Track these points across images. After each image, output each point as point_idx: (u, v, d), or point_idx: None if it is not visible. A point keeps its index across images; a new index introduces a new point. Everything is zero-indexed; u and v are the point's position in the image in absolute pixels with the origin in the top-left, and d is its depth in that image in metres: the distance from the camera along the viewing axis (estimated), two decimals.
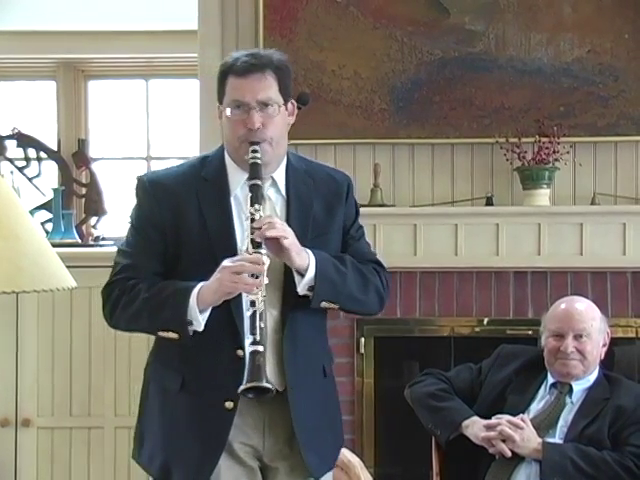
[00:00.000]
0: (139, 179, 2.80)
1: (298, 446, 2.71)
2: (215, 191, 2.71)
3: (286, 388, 2.69)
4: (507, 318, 4.59)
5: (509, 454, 3.40)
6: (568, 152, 4.51)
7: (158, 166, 5.74)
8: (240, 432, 2.70)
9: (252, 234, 2.55)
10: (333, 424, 2.92)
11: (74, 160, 5.65)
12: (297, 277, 2.64)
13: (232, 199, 2.71)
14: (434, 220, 4.55)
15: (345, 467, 3.48)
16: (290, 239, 2.59)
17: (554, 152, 4.47)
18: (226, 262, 2.54)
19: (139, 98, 5.79)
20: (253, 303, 2.51)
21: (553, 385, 3.61)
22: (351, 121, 4.65)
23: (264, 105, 2.65)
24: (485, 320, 4.60)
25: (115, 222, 5.61)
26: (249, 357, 2.49)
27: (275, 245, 2.58)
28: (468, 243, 4.52)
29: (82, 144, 5.67)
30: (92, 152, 5.74)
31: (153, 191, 2.73)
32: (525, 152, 4.49)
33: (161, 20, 5.38)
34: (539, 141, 4.49)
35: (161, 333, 2.65)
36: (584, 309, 3.65)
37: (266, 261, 2.53)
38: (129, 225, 2.81)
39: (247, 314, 2.53)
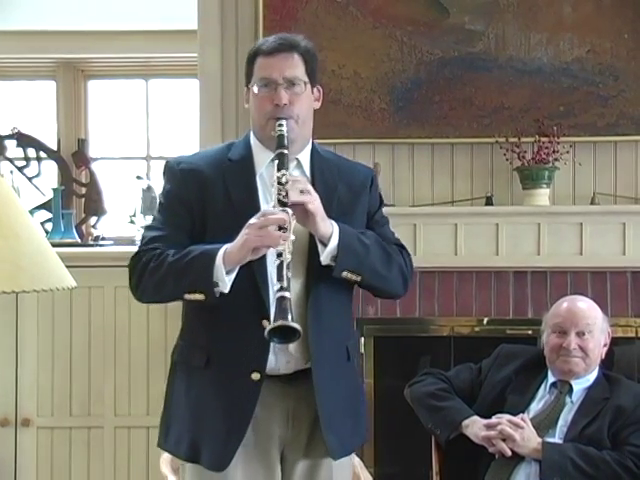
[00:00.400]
0: (167, 162, 2.86)
1: (319, 426, 2.72)
2: (241, 171, 2.76)
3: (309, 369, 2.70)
4: (507, 318, 4.60)
5: (509, 453, 3.40)
6: (568, 152, 4.51)
7: (158, 166, 5.74)
8: (265, 425, 2.72)
9: (279, 194, 2.58)
10: (355, 413, 2.90)
11: (74, 160, 5.65)
12: (320, 246, 2.67)
13: (258, 178, 2.76)
14: (434, 220, 4.55)
15: None
16: (316, 204, 2.62)
17: (554, 152, 4.47)
18: (251, 219, 2.57)
19: (139, 98, 5.79)
20: (280, 254, 2.52)
21: (553, 384, 3.61)
22: (351, 121, 4.65)
23: (291, 83, 2.72)
24: (485, 320, 4.60)
25: (115, 222, 5.61)
26: (276, 302, 2.49)
27: (300, 211, 2.61)
28: (468, 243, 4.52)
29: (82, 144, 5.67)
30: (92, 152, 5.74)
31: (180, 169, 2.79)
32: (525, 152, 4.49)
33: (161, 20, 5.37)
34: (539, 141, 4.50)
35: (187, 295, 2.65)
36: (587, 307, 3.65)
37: (292, 217, 2.56)
38: (158, 205, 2.86)
39: (274, 264, 2.53)
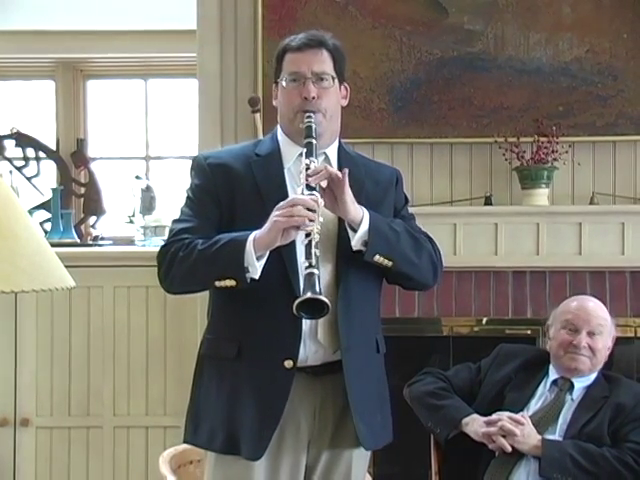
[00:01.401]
0: (195, 157, 2.90)
1: (350, 414, 2.73)
2: (269, 165, 2.79)
3: (340, 362, 2.71)
4: (506, 318, 4.60)
5: (509, 449, 3.40)
6: (567, 152, 4.51)
7: (157, 166, 5.74)
8: (292, 419, 2.72)
9: (307, 181, 2.60)
10: (383, 406, 2.93)
11: (73, 160, 5.65)
12: (350, 232, 2.69)
13: (285, 172, 2.79)
14: (433, 220, 4.53)
15: None
16: (344, 185, 2.64)
17: (553, 152, 4.48)
18: (280, 203, 2.59)
19: (138, 98, 5.79)
20: (308, 234, 2.54)
21: (554, 382, 3.61)
22: (350, 121, 4.58)
23: (319, 78, 2.76)
24: (484, 320, 4.61)
25: (114, 222, 5.61)
26: (304, 278, 2.51)
27: (329, 196, 2.64)
28: (467, 243, 4.52)
29: (81, 144, 5.67)
30: (91, 152, 5.74)
31: (209, 164, 2.81)
32: (524, 152, 4.49)
33: (160, 20, 5.38)
34: (538, 141, 4.50)
35: (218, 283, 2.65)
36: (599, 308, 3.68)
37: (320, 201, 2.58)
38: (185, 199, 2.86)
39: (302, 244, 2.55)
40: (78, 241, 5.21)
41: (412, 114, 4.63)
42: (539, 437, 3.42)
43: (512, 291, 4.59)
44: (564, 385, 3.59)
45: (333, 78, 2.78)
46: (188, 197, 2.85)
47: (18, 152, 5.64)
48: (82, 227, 5.56)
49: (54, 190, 5.24)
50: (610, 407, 3.51)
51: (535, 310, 4.56)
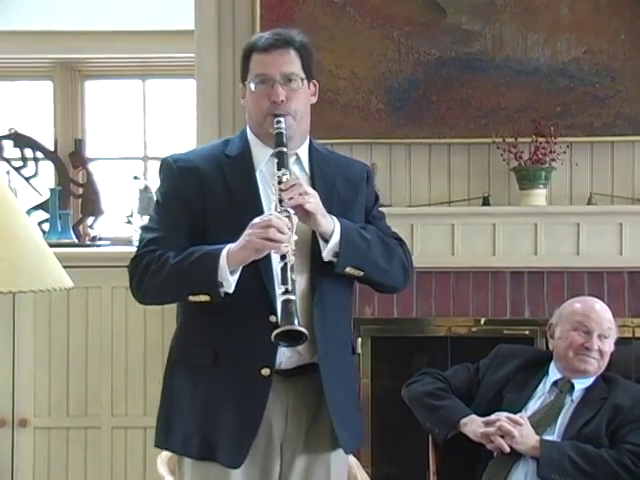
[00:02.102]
0: (164, 159, 2.84)
1: (326, 418, 2.72)
2: (240, 167, 2.76)
3: (314, 364, 2.71)
4: (504, 318, 4.60)
5: (507, 449, 3.40)
6: (565, 152, 4.51)
7: (155, 167, 5.74)
8: (264, 422, 2.71)
9: (279, 195, 2.59)
10: (357, 409, 2.94)
11: (71, 160, 5.64)
12: (322, 243, 2.68)
13: (257, 174, 2.76)
14: (431, 220, 4.55)
15: None
16: (314, 202, 2.62)
17: (551, 152, 4.48)
18: (254, 220, 2.57)
19: (136, 98, 5.79)
20: (284, 256, 2.53)
21: (554, 383, 3.61)
22: (348, 121, 4.65)
23: (287, 79, 2.72)
24: (482, 320, 4.61)
25: (112, 222, 5.61)
26: (281, 305, 2.50)
27: (301, 210, 2.62)
28: (465, 243, 4.52)
29: (79, 144, 5.66)
30: (89, 152, 5.73)
31: (178, 167, 2.77)
32: (522, 152, 4.49)
33: (158, 20, 5.37)
34: (536, 141, 4.50)
35: (192, 297, 2.64)
36: (606, 310, 3.70)
37: (294, 218, 2.57)
38: (154, 204, 2.84)
39: (278, 267, 2.55)
40: (76, 241, 5.21)
41: (410, 114, 4.63)
42: (537, 438, 3.43)
43: (510, 291, 4.59)
44: (564, 386, 3.59)
45: (302, 79, 2.75)
46: (158, 202, 2.81)
47: (16, 152, 5.63)
48: (80, 227, 5.55)
49: (52, 190, 5.24)
50: (608, 408, 3.51)
51: (533, 310, 4.56)
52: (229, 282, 2.59)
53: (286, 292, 2.50)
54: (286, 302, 2.49)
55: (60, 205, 5.26)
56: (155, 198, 2.86)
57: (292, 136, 2.72)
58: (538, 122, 4.54)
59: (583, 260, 4.50)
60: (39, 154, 5.64)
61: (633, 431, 3.45)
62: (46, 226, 5.26)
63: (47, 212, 5.31)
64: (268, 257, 2.63)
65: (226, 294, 2.61)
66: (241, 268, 2.60)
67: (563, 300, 3.93)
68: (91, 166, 5.67)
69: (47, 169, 5.68)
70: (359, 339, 4.59)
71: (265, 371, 2.66)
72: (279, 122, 2.69)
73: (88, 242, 5.32)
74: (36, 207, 5.48)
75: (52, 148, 5.66)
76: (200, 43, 4.73)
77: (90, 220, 5.59)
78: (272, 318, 2.61)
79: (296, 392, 2.75)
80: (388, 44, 4.63)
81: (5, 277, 2.30)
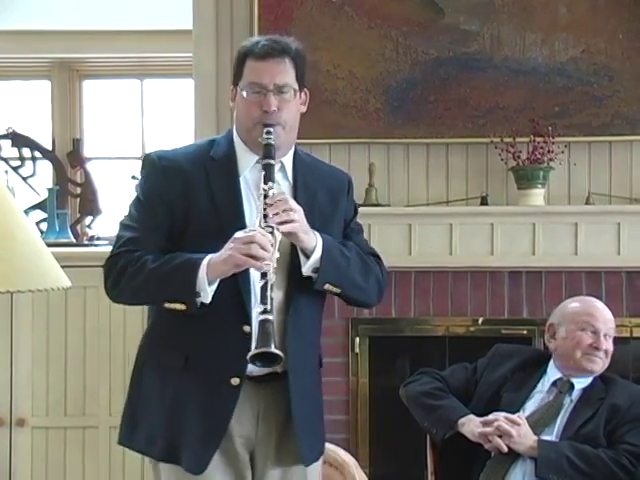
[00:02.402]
0: (147, 155, 2.82)
1: (293, 430, 2.72)
2: (224, 170, 2.74)
3: (285, 372, 2.71)
4: (502, 318, 4.60)
5: (505, 449, 3.41)
6: (563, 152, 4.52)
7: None
8: (236, 423, 2.71)
9: (264, 210, 2.58)
10: (321, 418, 2.93)
11: (69, 160, 5.64)
12: (302, 258, 2.67)
13: (241, 180, 2.75)
14: (429, 220, 4.55)
15: (340, 467, 3.49)
16: (299, 219, 2.62)
17: (549, 152, 4.48)
18: (238, 234, 2.56)
19: (134, 98, 5.79)
20: (264, 274, 2.53)
21: (553, 383, 3.62)
22: (346, 121, 4.65)
23: (280, 89, 2.70)
24: (480, 320, 4.61)
25: (110, 222, 5.60)
26: (259, 325, 2.50)
27: (284, 223, 2.60)
28: (463, 243, 4.52)
29: (77, 144, 5.66)
30: (87, 152, 5.73)
31: (162, 166, 2.74)
32: (520, 152, 4.49)
33: (156, 20, 5.37)
34: (534, 141, 4.50)
35: (168, 304, 2.64)
36: (608, 310, 3.72)
37: (277, 235, 2.56)
38: (134, 200, 2.80)
39: (258, 285, 2.55)
40: (74, 241, 5.20)
41: (408, 114, 4.63)
42: (535, 438, 3.43)
43: (508, 291, 4.60)
44: (564, 387, 3.59)
45: (295, 90, 2.74)
46: (138, 199, 2.77)
47: (14, 152, 5.63)
48: (78, 227, 5.55)
49: (50, 190, 5.23)
50: (606, 409, 3.51)
51: (531, 310, 4.56)
52: (206, 293, 2.58)
53: (264, 312, 2.50)
54: (264, 322, 2.49)
55: (58, 205, 5.26)
56: (135, 194, 2.82)
57: (279, 146, 2.71)
58: (536, 122, 4.54)
59: (581, 260, 4.50)
60: (37, 154, 5.64)
61: (631, 431, 3.45)
62: (44, 226, 5.26)
63: (45, 212, 5.31)
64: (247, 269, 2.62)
65: (202, 304, 2.60)
66: (219, 280, 2.60)
67: (561, 300, 3.93)
68: (89, 166, 5.67)
69: (45, 169, 5.68)
70: (357, 339, 4.60)
71: (234, 380, 2.66)
72: (269, 133, 2.67)
73: (86, 242, 5.32)
74: (34, 207, 5.47)
75: (50, 148, 5.66)
76: (198, 43, 4.73)
77: (88, 220, 5.59)
78: (246, 328, 2.63)
79: (266, 396, 2.74)
80: (386, 44, 4.63)
81: (3, 277, 2.30)
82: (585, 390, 3.60)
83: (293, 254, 2.70)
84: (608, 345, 3.63)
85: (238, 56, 2.77)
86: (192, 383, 2.69)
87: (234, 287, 2.63)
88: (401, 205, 4.63)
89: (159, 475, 2.79)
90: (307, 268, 2.67)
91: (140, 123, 5.76)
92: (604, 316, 3.66)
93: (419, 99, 4.63)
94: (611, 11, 4.57)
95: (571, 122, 4.57)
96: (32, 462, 4.75)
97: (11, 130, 5.61)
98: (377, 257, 2.93)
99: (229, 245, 2.55)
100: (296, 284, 2.71)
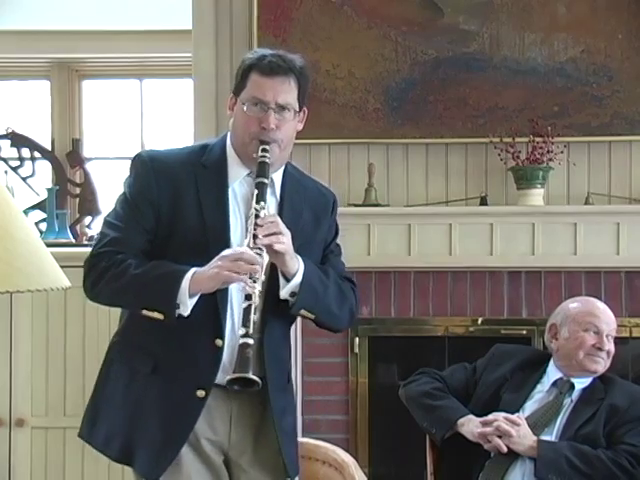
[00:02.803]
0: (139, 154, 2.79)
1: (275, 441, 2.73)
2: (214, 180, 2.73)
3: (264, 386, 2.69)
4: (501, 318, 4.60)
5: (505, 449, 3.41)
6: (562, 152, 4.51)
7: None
8: (207, 427, 2.71)
9: (255, 230, 2.57)
10: (296, 434, 2.94)
11: (68, 160, 5.64)
12: (282, 281, 2.67)
13: (229, 191, 2.73)
14: (428, 220, 4.55)
15: (339, 467, 3.48)
16: (286, 243, 2.62)
17: (548, 152, 4.48)
18: (226, 251, 2.56)
19: (133, 98, 5.79)
20: (249, 296, 2.53)
21: (554, 384, 3.62)
22: (345, 121, 4.65)
23: (282, 108, 2.69)
24: (479, 320, 4.61)
25: None
26: (238, 349, 2.50)
27: (272, 248, 2.60)
28: (462, 243, 4.52)
29: (76, 144, 5.66)
30: (86, 152, 5.73)
31: (153, 167, 2.72)
32: (519, 152, 4.49)
33: (155, 20, 5.37)
34: (533, 141, 4.50)
35: (146, 312, 2.62)
36: (610, 311, 3.73)
37: (265, 258, 2.56)
38: (121, 198, 2.78)
39: (241, 306, 2.55)
40: (73, 241, 5.20)
41: (407, 114, 4.63)
42: (535, 438, 3.43)
43: (507, 291, 4.60)
44: (564, 387, 3.59)
45: (295, 111, 2.73)
46: (126, 198, 2.75)
47: (13, 152, 5.63)
48: (77, 227, 5.55)
49: (49, 190, 5.23)
50: (605, 409, 3.51)
51: (530, 310, 4.56)
52: (186, 306, 2.57)
53: (246, 335, 2.51)
54: (244, 347, 2.50)
55: (57, 205, 5.26)
56: (123, 192, 2.79)
57: (273, 163, 2.70)
58: (535, 122, 4.54)
59: (580, 260, 4.50)
60: (36, 154, 5.63)
61: (630, 431, 3.45)
62: (43, 226, 5.26)
63: (44, 212, 5.31)
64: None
65: (179, 316, 2.59)
66: (199, 294, 2.59)
67: (560, 300, 3.93)
68: (88, 166, 5.67)
69: (44, 169, 5.67)
70: (356, 339, 4.60)
71: (200, 392, 2.65)
72: (265, 151, 2.66)
73: (85, 242, 5.31)
74: (33, 207, 5.47)
75: (49, 148, 5.66)
76: (197, 43, 4.72)
77: (87, 220, 5.58)
78: (218, 342, 2.63)
79: (240, 398, 2.73)
80: (385, 44, 4.63)
81: (2, 277, 2.30)
82: (584, 390, 3.60)
83: (272, 275, 2.69)
84: (610, 346, 3.64)
85: (243, 67, 2.74)
86: (157, 390, 2.69)
87: (211, 300, 2.62)
88: (400, 205, 4.63)
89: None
90: (285, 292, 2.68)
91: (139, 123, 5.76)
92: (607, 317, 3.67)
93: (418, 99, 4.63)
94: (610, 11, 4.57)
95: (570, 122, 4.57)
96: (31, 462, 4.75)
97: (10, 130, 5.61)
98: (352, 283, 2.94)
99: (216, 262, 2.55)
100: (272, 306, 2.71)
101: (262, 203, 2.62)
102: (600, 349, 3.59)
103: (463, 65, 4.61)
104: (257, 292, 2.53)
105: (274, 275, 2.69)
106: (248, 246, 2.57)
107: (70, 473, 4.76)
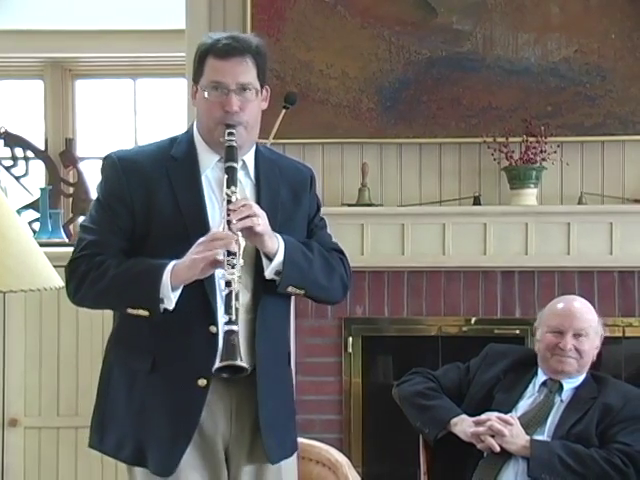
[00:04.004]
0: (107, 156, 2.75)
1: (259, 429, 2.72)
2: (185, 171, 2.71)
3: (254, 369, 2.69)
4: (494, 317, 4.60)
5: (498, 449, 3.41)
6: (555, 152, 4.52)
7: None
8: (210, 421, 2.70)
9: (228, 216, 2.56)
10: (292, 414, 2.92)
11: (61, 159, 5.64)
12: (265, 261, 2.66)
13: (203, 179, 2.72)
14: (422, 220, 4.55)
15: (333, 466, 3.48)
16: (263, 224, 2.61)
17: (541, 152, 4.48)
18: (201, 239, 2.55)
19: (126, 97, 5.79)
20: (229, 283, 2.51)
21: (543, 384, 3.62)
22: (339, 121, 4.65)
23: (242, 89, 2.67)
24: (473, 319, 4.61)
25: None
26: (224, 336, 2.49)
27: (248, 231, 2.59)
28: (456, 243, 4.52)
29: (69, 143, 5.66)
30: (79, 151, 5.73)
31: (122, 167, 2.69)
32: (512, 152, 4.50)
33: (148, 19, 5.37)
34: (526, 141, 4.50)
35: (130, 310, 2.62)
36: (585, 309, 3.69)
37: (242, 242, 2.55)
38: (95, 202, 2.76)
39: (222, 294, 2.54)
40: (67, 241, 5.20)
41: (401, 114, 4.63)
42: (527, 437, 3.43)
43: (501, 291, 4.60)
44: (553, 386, 3.60)
45: (257, 90, 2.70)
46: (99, 201, 2.73)
47: (6, 152, 5.63)
48: (71, 227, 5.55)
49: (42, 190, 5.23)
50: (598, 408, 3.52)
51: (524, 310, 4.57)
52: (170, 299, 2.57)
53: (230, 322, 2.50)
54: (229, 333, 2.49)
55: (50, 204, 5.26)
56: (96, 196, 2.76)
57: (242, 145, 2.69)
58: (529, 122, 4.54)
59: (573, 260, 4.51)
60: (29, 153, 5.64)
61: (623, 431, 3.45)
62: (36, 225, 5.26)
63: (37, 211, 5.30)
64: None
65: (165, 310, 2.58)
66: (182, 286, 2.58)
67: (552, 300, 3.93)
68: (82, 165, 5.67)
69: (37, 168, 5.68)
70: (349, 338, 4.60)
71: (202, 381, 2.64)
72: (231, 134, 2.64)
73: None
74: (26, 206, 5.47)
75: (42, 147, 5.66)
76: (191, 42, 4.71)
77: (81, 219, 5.58)
78: (212, 329, 2.61)
79: (239, 394, 2.73)
80: (379, 44, 4.64)
81: None
82: (577, 389, 3.60)
83: (257, 256, 2.69)
84: (580, 344, 3.60)
85: (199, 54, 2.72)
86: (159, 386, 2.68)
87: (199, 288, 2.61)
88: (394, 205, 4.63)
89: (134, 479, 2.78)
90: (269, 272, 2.66)
91: (133, 123, 5.76)
92: (573, 316, 3.64)
93: (412, 99, 4.63)
94: (603, 11, 4.57)
95: (564, 122, 4.58)
96: (25, 462, 4.74)
97: (3, 130, 5.61)
98: (341, 252, 2.92)
99: (193, 249, 2.54)
100: (262, 285, 2.70)
101: (233, 188, 2.60)
102: (562, 349, 3.58)
103: (456, 65, 4.62)
104: (236, 278, 2.51)
105: (259, 257, 2.68)
106: (223, 232, 2.56)
107: (63, 473, 4.75)
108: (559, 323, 3.63)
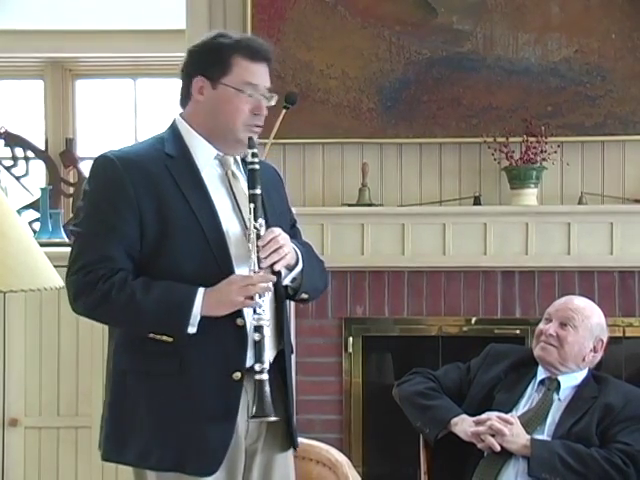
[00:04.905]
0: (102, 156, 2.62)
1: (285, 415, 2.74)
2: (185, 166, 2.66)
3: (283, 356, 2.74)
4: (495, 317, 4.60)
5: (498, 448, 3.41)
6: (556, 152, 4.52)
7: None
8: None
9: (258, 252, 2.57)
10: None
11: (62, 159, 5.64)
12: (284, 270, 2.68)
13: (203, 176, 2.67)
14: (422, 220, 4.55)
15: (333, 466, 3.48)
16: (291, 254, 2.64)
17: (542, 152, 4.48)
18: (235, 277, 2.56)
19: (127, 97, 5.79)
20: (260, 329, 2.55)
21: (541, 382, 3.62)
22: (339, 121, 4.65)
23: (267, 93, 2.69)
24: (473, 319, 4.61)
25: None
26: (256, 387, 2.56)
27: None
28: (456, 243, 4.52)
29: (70, 143, 5.66)
30: (80, 151, 5.74)
31: (123, 166, 2.59)
32: (513, 152, 4.50)
33: (149, 19, 5.37)
34: (527, 141, 4.50)
35: (153, 335, 2.59)
36: (582, 305, 3.68)
37: (272, 279, 2.60)
38: (94, 209, 2.60)
39: (254, 339, 2.57)
40: (67, 241, 5.19)
41: (401, 114, 4.63)
42: (528, 437, 3.43)
43: (501, 291, 4.60)
44: (551, 385, 3.60)
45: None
46: (99, 207, 2.58)
47: (7, 152, 5.63)
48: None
49: (43, 190, 5.23)
50: (599, 407, 3.51)
51: (524, 310, 4.57)
52: (195, 327, 2.56)
53: (261, 372, 2.54)
54: (261, 384, 2.54)
55: (51, 204, 5.26)
56: (94, 201, 2.60)
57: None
58: (529, 122, 4.54)
59: (574, 260, 4.51)
60: (30, 153, 5.64)
61: (623, 430, 3.45)
62: (37, 225, 5.26)
63: (38, 211, 5.31)
64: (232, 264, 2.61)
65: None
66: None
67: (554, 299, 3.93)
68: (82, 165, 5.67)
69: (38, 168, 5.68)
70: (350, 339, 4.60)
71: (236, 375, 2.62)
72: (255, 155, 2.63)
73: None
74: (27, 206, 5.48)
75: (43, 147, 5.66)
76: (191, 42, 4.64)
77: None
78: (239, 321, 2.61)
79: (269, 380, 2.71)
80: (379, 44, 4.63)
81: None
82: (577, 388, 3.60)
83: None
84: (563, 332, 3.57)
85: (223, 47, 2.68)
86: (190, 386, 2.62)
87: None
88: (394, 205, 4.63)
89: None
90: (288, 279, 2.70)
91: (133, 123, 5.77)
92: (564, 306, 3.65)
93: (412, 99, 4.63)
94: (604, 11, 4.57)
95: (564, 122, 4.58)
96: (25, 462, 4.74)
97: (4, 130, 5.61)
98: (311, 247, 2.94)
99: (226, 288, 2.55)
100: (280, 290, 2.73)
101: (260, 220, 2.59)
102: (543, 333, 3.59)
103: (457, 65, 4.62)
104: (266, 322, 2.56)
105: None
106: (254, 270, 2.57)
107: (63, 473, 4.76)
108: (550, 311, 3.66)
